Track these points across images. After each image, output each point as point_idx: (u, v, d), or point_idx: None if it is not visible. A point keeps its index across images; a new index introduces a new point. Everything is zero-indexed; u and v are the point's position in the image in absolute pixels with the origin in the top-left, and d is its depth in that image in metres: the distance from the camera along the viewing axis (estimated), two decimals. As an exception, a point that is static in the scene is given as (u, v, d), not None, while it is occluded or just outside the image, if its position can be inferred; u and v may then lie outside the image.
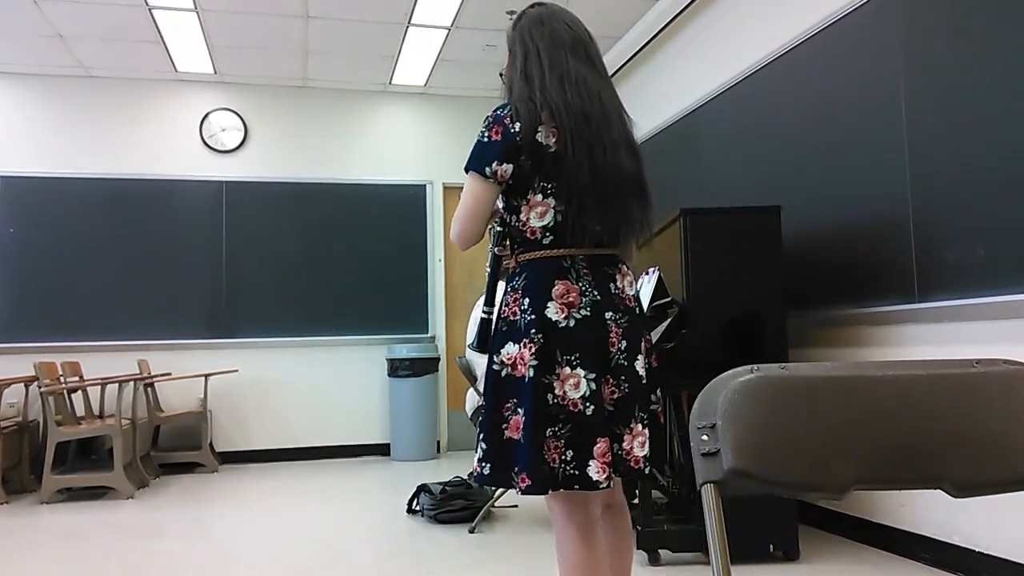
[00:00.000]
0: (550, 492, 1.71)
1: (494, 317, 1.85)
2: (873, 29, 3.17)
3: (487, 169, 1.74)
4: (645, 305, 3.15)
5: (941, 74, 2.84)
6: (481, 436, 1.76)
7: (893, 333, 3.13)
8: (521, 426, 1.70)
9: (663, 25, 4.99)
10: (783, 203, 3.23)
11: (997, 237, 2.61)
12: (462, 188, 1.85)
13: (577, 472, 1.68)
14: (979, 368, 0.92)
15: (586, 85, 1.78)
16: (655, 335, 3.12)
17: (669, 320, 3.13)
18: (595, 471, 1.67)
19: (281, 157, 6.50)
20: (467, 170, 1.79)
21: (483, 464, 1.74)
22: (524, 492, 1.67)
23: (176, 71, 6.12)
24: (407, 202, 6.65)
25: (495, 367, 1.77)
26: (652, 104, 5.20)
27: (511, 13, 5.11)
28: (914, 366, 0.93)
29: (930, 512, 2.97)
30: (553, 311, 1.73)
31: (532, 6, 1.93)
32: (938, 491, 0.89)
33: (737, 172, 4.21)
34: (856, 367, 0.93)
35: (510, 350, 1.75)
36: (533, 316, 1.73)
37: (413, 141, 6.76)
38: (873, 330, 3.23)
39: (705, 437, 0.87)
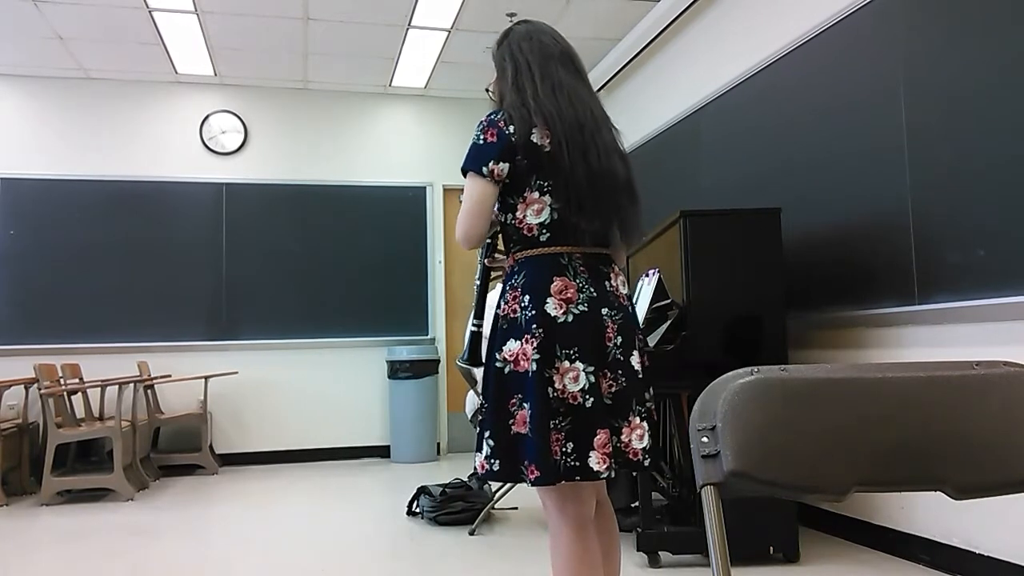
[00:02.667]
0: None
1: (498, 315, 1.84)
2: (873, 30, 3.17)
3: (484, 168, 1.78)
4: (645, 307, 3.16)
5: (941, 74, 2.84)
6: (488, 434, 1.76)
7: (893, 335, 3.13)
8: (528, 420, 1.71)
9: (662, 28, 4.98)
10: (783, 205, 3.23)
11: (997, 238, 2.61)
12: (462, 191, 1.86)
13: (578, 463, 1.71)
14: (979, 370, 0.92)
15: (577, 95, 1.84)
16: (656, 337, 3.12)
17: (669, 322, 3.13)
18: (596, 461, 1.70)
19: (281, 159, 6.51)
20: (465, 171, 1.82)
21: (491, 461, 1.75)
22: (534, 484, 1.69)
23: (176, 73, 6.12)
24: (407, 204, 6.65)
25: (497, 364, 1.78)
26: (651, 107, 5.19)
27: (511, 15, 5.12)
28: (914, 368, 0.92)
29: (930, 514, 2.97)
30: (552, 307, 1.76)
31: (518, 23, 1.98)
32: (938, 493, 0.89)
33: (737, 174, 4.21)
34: (856, 369, 0.93)
35: (512, 347, 1.77)
36: (534, 312, 1.76)
37: (413, 143, 6.76)
38: (873, 332, 3.23)
39: (705, 439, 0.87)
